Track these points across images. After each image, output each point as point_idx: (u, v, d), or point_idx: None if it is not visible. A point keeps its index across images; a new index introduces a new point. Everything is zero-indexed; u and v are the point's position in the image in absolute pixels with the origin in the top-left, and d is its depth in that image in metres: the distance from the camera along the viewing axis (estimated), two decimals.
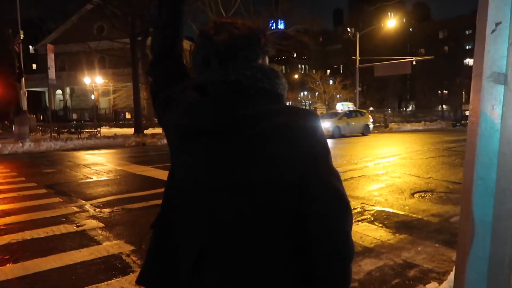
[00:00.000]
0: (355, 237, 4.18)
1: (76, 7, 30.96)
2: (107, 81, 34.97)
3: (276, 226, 0.90)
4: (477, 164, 1.51)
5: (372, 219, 4.92)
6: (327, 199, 0.91)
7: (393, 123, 33.78)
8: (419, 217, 4.97)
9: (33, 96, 35.43)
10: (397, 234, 4.29)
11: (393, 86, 54.87)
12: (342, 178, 5.67)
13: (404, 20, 57.35)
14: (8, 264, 3.57)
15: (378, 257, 3.66)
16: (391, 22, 32.81)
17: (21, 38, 21.84)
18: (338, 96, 43.28)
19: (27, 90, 22.27)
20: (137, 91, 23.09)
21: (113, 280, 3.20)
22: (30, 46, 43.84)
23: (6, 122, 23.37)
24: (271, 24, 38.01)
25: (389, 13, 44.65)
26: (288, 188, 0.90)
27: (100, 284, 3.14)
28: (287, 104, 0.98)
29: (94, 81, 33.13)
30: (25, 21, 24.70)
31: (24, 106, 20.39)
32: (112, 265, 3.53)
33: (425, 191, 6.47)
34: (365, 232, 4.36)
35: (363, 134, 21.76)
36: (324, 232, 0.90)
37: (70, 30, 36.09)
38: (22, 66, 21.06)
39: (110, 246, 4.01)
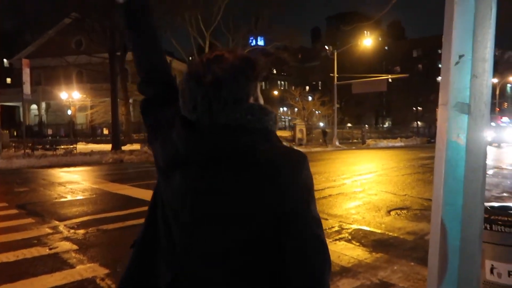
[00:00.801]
0: (333, 256, 4.17)
1: (54, 20, 30.56)
2: (84, 96, 34.39)
3: (252, 260, 0.90)
4: (445, 191, 1.57)
5: (350, 237, 4.97)
6: (305, 246, 0.89)
7: (370, 139, 34.40)
8: (395, 235, 5.05)
9: (7, 111, 34.46)
10: (373, 253, 4.34)
11: (370, 103, 56.04)
12: (320, 195, 5.71)
13: (380, 39, 59.01)
14: None
15: (355, 277, 3.69)
16: (368, 41, 33.72)
17: None
18: (317, 112, 43.89)
19: (1, 105, 21.70)
20: (115, 107, 22.82)
21: None
22: (5, 60, 42.87)
23: None
24: (250, 41, 38.43)
25: (365, 31, 45.86)
26: (264, 225, 0.89)
27: None
28: (276, 141, 0.97)
29: (71, 95, 32.52)
30: None
31: None
32: None
33: (401, 209, 6.59)
34: (342, 251, 4.40)
35: None
36: (300, 279, 0.89)
37: (47, 43, 35.49)
38: None
39: (84, 269, 3.91)
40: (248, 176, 0.89)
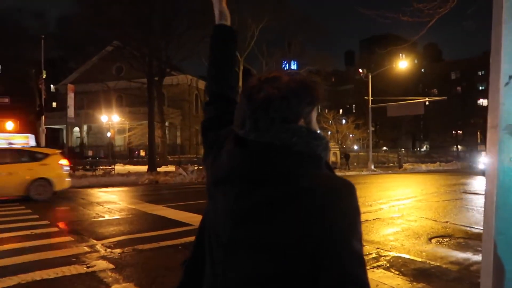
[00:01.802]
0: (371, 284, 4.02)
1: (97, 48, 32.34)
2: (123, 119, 35.77)
3: None
4: (497, 219, 1.48)
5: (388, 265, 4.76)
6: (341, 284, 0.79)
7: (407, 163, 33.42)
8: (437, 264, 4.79)
9: (51, 133, 36.33)
10: (414, 283, 4.13)
11: (406, 126, 54.76)
12: None
13: (415, 61, 58.07)
14: None
15: None
16: (403, 64, 33.23)
17: (44, 77, 22.77)
18: (351, 135, 43.32)
19: (46, 127, 22.91)
20: (152, 129, 23.54)
21: None
22: (51, 85, 45.50)
23: None
24: (284, 65, 38.89)
25: (400, 54, 45.36)
26: (298, 257, 0.83)
27: None
28: (324, 169, 0.92)
29: (111, 119, 33.94)
30: (47, 60, 25.87)
31: (42, 143, 20.91)
32: None
33: (442, 236, 6.28)
34: (381, 280, 4.21)
35: (29, 198, 10.87)
36: None
37: (90, 70, 37.50)
38: (43, 104, 21.82)
39: None
40: (285, 202, 0.84)
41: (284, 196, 0.85)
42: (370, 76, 29.75)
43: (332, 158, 28.54)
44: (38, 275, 4.31)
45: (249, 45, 31.94)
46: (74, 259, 4.96)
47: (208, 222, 1.00)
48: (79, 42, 27.39)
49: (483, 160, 25.76)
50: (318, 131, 0.96)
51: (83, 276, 4.34)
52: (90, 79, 36.36)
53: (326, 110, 43.90)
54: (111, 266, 4.70)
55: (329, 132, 43.45)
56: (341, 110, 60.35)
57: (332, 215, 0.82)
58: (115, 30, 23.91)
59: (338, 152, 29.94)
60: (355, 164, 30.44)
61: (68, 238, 6.15)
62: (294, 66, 40.22)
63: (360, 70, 35.27)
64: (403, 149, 41.47)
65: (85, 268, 4.61)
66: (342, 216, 0.83)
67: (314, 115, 0.96)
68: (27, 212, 8.92)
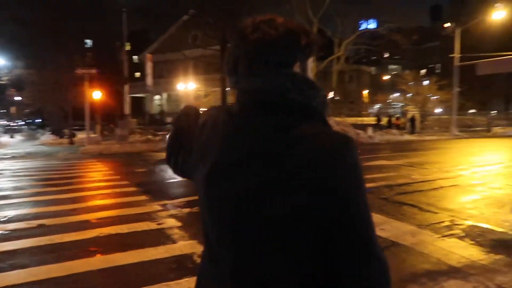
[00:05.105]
0: (439, 253, 3.77)
1: (174, 18, 33.40)
2: (199, 86, 37.00)
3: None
4: None
5: (463, 234, 4.39)
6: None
7: (497, 127, 30.29)
8: None
9: (136, 102, 39.01)
10: (491, 254, 3.76)
11: (498, 86, 49.17)
12: (431, 187, 5.16)
13: None
14: (94, 256, 3.90)
15: (465, 278, 3.24)
16: (499, 14, 29.26)
17: (126, 49, 24.25)
18: (433, 98, 40.14)
19: (131, 96, 24.59)
20: (224, 96, 24.08)
21: (182, 280, 3.30)
22: (135, 56, 48.40)
23: (112, 125, 26.30)
24: (360, 23, 36.78)
25: (495, 4, 40.14)
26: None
27: (169, 282, 3.26)
28: (319, 122, 0.82)
29: (187, 86, 35.28)
30: (131, 33, 27.32)
31: (127, 110, 22.55)
32: (184, 264, 3.65)
33: None
34: (452, 249, 3.91)
35: None
36: None
37: (168, 40, 39.07)
38: (127, 74, 23.35)
39: (184, 245, 4.16)
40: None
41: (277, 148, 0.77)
42: (459, 31, 26.86)
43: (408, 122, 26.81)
44: (113, 230, 4.72)
45: (324, 4, 30.56)
46: (146, 216, 5.34)
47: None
48: (158, 12, 28.51)
49: None
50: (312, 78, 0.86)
51: (152, 232, 4.66)
52: (168, 49, 37.94)
53: (407, 71, 41.11)
54: (179, 224, 4.97)
55: (408, 95, 40.77)
56: (423, 71, 55.94)
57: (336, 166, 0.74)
58: None
59: (418, 116, 27.99)
60: (436, 128, 28.29)
61: (143, 197, 6.62)
62: (372, 25, 37.85)
63: (448, 24, 31.96)
64: (495, 111, 37.55)
65: (155, 225, 4.94)
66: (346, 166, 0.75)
67: (309, 64, 0.89)
68: (110, 173, 9.78)
